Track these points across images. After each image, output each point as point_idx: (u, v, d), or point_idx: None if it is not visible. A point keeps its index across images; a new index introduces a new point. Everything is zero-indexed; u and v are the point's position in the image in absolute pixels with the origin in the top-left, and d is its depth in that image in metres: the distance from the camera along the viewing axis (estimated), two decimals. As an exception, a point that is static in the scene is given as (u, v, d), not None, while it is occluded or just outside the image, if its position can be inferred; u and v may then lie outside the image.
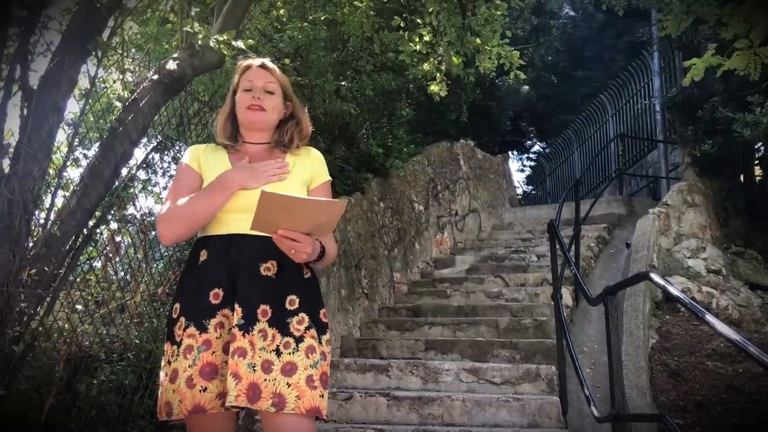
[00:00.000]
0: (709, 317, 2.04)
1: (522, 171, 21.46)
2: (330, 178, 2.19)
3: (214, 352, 1.89)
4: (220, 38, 3.36)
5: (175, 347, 1.91)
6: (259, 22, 5.42)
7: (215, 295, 1.93)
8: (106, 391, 3.26)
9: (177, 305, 1.97)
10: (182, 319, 1.93)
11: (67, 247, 3.21)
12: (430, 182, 7.87)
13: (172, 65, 3.46)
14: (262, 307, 1.90)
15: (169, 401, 1.87)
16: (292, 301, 1.94)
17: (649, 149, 11.17)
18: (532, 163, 19.76)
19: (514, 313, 5.56)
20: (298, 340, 1.90)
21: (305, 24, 5.71)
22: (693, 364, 4.77)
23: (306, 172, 2.12)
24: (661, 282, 2.48)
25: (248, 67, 2.15)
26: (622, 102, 12.12)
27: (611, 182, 11.83)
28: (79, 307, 3.47)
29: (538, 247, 7.74)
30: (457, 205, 8.62)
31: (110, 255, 3.80)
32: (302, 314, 1.94)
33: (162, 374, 1.95)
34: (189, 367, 1.86)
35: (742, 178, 9.32)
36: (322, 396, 1.89)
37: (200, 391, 1.85)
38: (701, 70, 4.46)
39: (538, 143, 19.54)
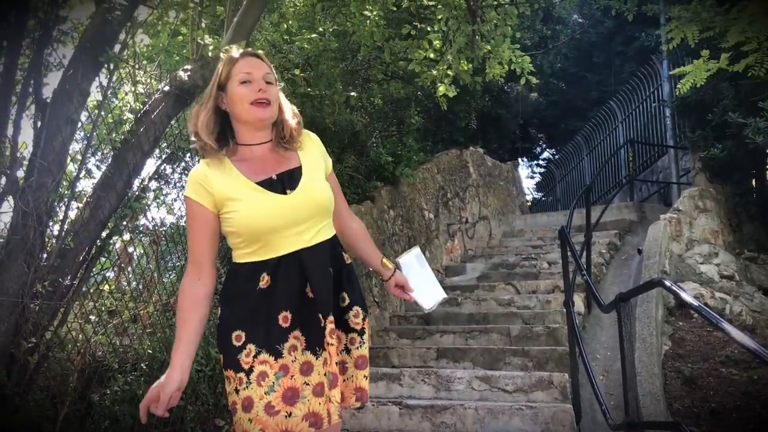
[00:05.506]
0: (725, 324, 2.02)
1: (532, 178, 21.47)
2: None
3: (292, 376, 1.82)
4: (230, 49, 3.38)
5: (242, 375, 1.81)
6: (269, 34, 5.46)
7: (284, 318, 1.85)
8: (120, 401, 3.28)
9: (239, 333, 1.84)
10: (251, 346, 1.83)
11: (81, 258, 3.23)
12: (440, 190, 7.86)
13: (183, 77, 3.50)
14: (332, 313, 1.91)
15: (247, 430, 1.78)
16: (343, 298, 1.97)
17: (659, 155, 11.13)
18: (542, 170, 19.73)
19: (525, 321, 5.54)
20: (360, 332, 1.97)
21: (315, 35, 5.74)
22: (707, 371, 4.73)
23: (319, 160, 2.01)
24: (675, 289, 2.46)
25: (240, 57, 1.92)
26: (631, 108, 12.09)
27: (622, 188, 11.78)
28: (92, 317, 3.49)
29: (548, 254, 7.72)
30: (467, 213, 8.60)
31: (123, 266, 3.83)
32: (356, 307, 1.98)
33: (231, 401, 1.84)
34: (266, 394, 1.79)
35: (754, 183, 9.24)
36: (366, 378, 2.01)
37: (285, 416, 1.78)
38: (700, 75, 4.45)
39: (547, 150, 19.52)
